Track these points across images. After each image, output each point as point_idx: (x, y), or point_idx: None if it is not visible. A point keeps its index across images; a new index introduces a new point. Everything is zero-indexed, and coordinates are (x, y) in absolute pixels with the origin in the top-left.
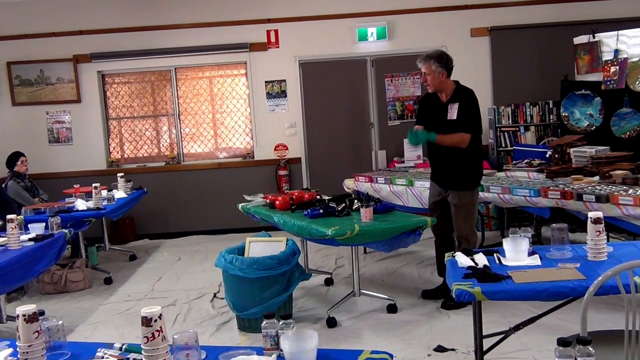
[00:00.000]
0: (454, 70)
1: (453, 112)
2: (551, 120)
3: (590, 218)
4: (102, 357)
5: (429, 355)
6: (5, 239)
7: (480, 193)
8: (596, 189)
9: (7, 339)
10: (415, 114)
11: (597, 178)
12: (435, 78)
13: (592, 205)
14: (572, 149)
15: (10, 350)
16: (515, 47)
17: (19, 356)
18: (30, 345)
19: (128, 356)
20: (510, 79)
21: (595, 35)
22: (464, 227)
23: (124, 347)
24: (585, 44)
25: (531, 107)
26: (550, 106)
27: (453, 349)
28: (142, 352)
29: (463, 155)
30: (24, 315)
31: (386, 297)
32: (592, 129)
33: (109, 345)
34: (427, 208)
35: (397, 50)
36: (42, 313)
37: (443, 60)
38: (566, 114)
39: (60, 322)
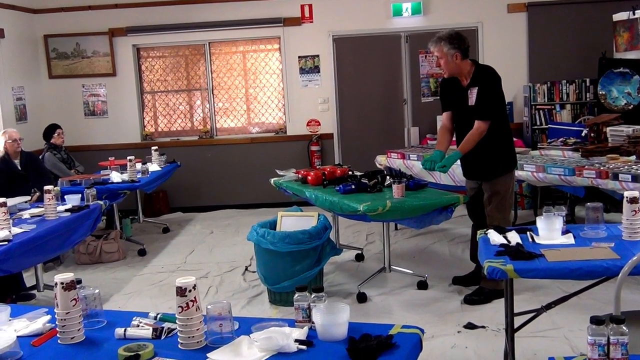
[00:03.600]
0: (490, 46)
1: (473, 98)
2: (588, 99)
3: (626, 197)
4: (138, 326)
5: (458, 332)
6: (43, 209)
7: (514, 171)
8: (632, 168)
9: (44, 306)
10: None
11: (633, 157)
12: (449, 61)
13: (628, 185)
14: (608, 128)
15: (49, 317)
16: (553, 24)
17: (57, 323)
18: (68, 313)
19: (163, 325)
20: (546, 56)
21: (635, 12)
22: (496, 215)
23: (158, 316)
24: (624, 21)
25: (567, 84)
26: (587, 84)
27: (483, 327)
28: (177, 321)
29: (491, 144)
30: (62, 283)
31: (417, 273)
32: (630, 107)
33: (144, 314)
34: (459, 186)
35: (432, 26)
36: (79, 281)
37: (455, 41)
38: (603, 92)
39: (97, 291)
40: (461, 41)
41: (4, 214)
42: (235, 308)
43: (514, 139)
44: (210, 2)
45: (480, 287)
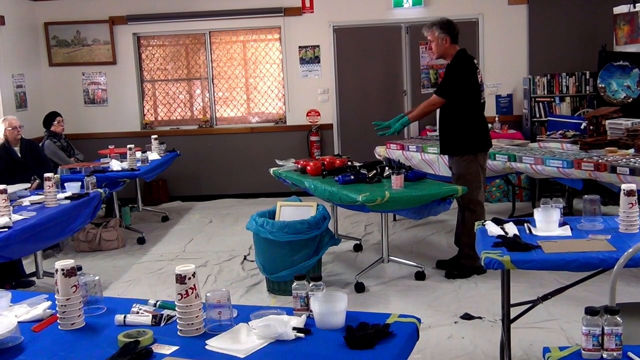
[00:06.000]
0: (491, 39)
1: None
2: (587, 92)
3: (624, 190)
4: (137, 312)
5: (455, 322)
6: (43, 196)
7: (513, 163)
8: (631, 161)
9: (45, 292)
10: None
11: (632, 151)
12: (439, 44)
13: (626, 178)
14: (607, 121)
15: (49, 303)
16: (553, 16)
17: (57, 309)
18: (68, 299)
19: (162, 312)
20: (547, 48)
21: (636, 5)
22: (465, 196)
23: (158, 303)
24: (625, 14)
25: (567, 77)
26: (587, 77)
27: (480, 317)
28: (176, 308)
29: (449, 119)
30: (62, 270)
31: (414, 264)
32: (629, 100)
33: (144, 302)
34: None
35: (432, 18)
36: (79, 268)
37: (445, 26)
38: (603, 85)
39: (97, 278)
40: (451, 27)
41: (4, 200)
42: (234, 297)
43: (513, 131)
44: None
45: (461, 263)
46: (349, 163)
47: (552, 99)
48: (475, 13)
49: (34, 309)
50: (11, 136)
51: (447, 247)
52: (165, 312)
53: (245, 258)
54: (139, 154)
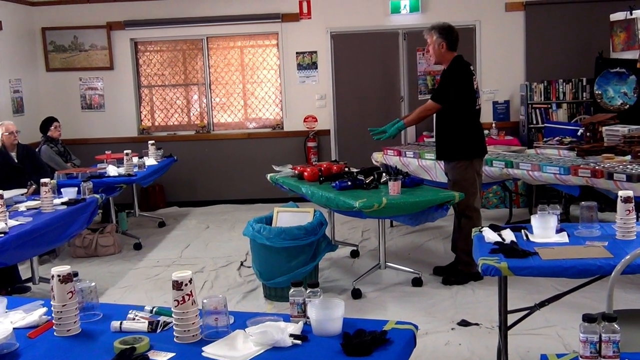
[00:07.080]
0: (487, 45)
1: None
2: (584, 98)
3: (621, 197)
4: (134, 319)
5: (452, 329)
6: (39, 202)
7: (510, 169)
8: (627, 168)
9: (40, 298)
10: None
11: (628, 157)
12: (435, 49)
13: (623, 185)
14: (604, 128)
15: (45, 309)
16: (550, 23)
17: (53, 315)
18: (64, 305)
19: (158, 318)
20: (543, 55)
21: (633, 12)
22: (461, 202)
23: (154, 309)
24: (621, 21)
25: (564, 84)
26: (584, 83)
27: (477, 324)
28: (173, 314)
29: (445, 125)
30: (58, 276)
31: (411, 270)
32: (626, 107)
33: (140, 308)
34: None
35: (429, 24)
36: (75, 274)
37: (444, 31)
38: (600, 92)
39: (93, 284)
40: (449, 33)
41: (0, 206)
42: (230, 303)
43: (510, 138)
44: None
45: (458, 270)
46: (346, 169)
47: (549, 106)
48: (472, 19)
49: (30, 315)
50: (8, 141)
51: (444, 253)
52: (162, 318)
53: (242, 264)
54: (135, 160)
